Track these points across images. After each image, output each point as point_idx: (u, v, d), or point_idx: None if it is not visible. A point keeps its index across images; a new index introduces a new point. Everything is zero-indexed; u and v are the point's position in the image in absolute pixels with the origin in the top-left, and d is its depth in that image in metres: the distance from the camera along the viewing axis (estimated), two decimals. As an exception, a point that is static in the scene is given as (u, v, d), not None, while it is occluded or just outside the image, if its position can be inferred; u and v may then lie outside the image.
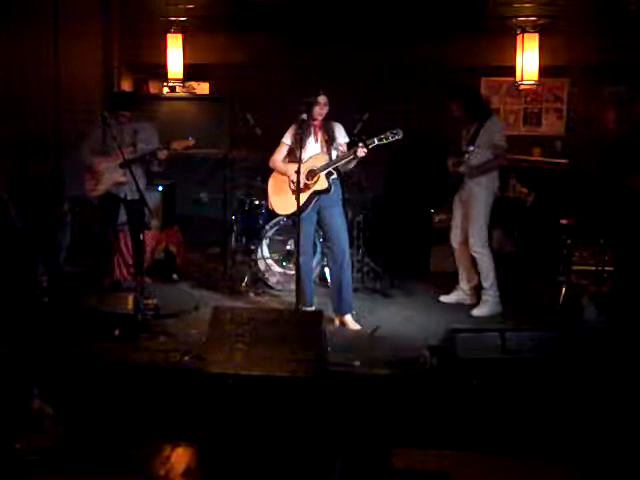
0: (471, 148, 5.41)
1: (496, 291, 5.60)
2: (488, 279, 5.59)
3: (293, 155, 5.17)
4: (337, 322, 5.28)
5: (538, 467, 3.33)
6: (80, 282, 6.01)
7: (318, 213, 5.21)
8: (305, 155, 5.04)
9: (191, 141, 5.53)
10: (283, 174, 5.25)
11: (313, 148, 5.16)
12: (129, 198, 5.53)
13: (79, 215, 6.66)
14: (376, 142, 4.93)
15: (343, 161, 5.08)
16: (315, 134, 5.17)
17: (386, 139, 4.91)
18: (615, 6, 6.78)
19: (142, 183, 5.53)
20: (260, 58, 7.43)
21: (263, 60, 7.42)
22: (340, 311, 5.28)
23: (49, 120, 6.41)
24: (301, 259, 4.93)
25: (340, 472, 3.43)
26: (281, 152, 5.28)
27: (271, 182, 5.40)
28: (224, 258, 6.40)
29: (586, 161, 6.53)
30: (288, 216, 5.47)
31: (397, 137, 4.91)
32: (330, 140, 5.16)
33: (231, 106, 7.52)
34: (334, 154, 5.15)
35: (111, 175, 5.47)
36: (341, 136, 5.22)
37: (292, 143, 5.19)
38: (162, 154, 5.50)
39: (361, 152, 4.93)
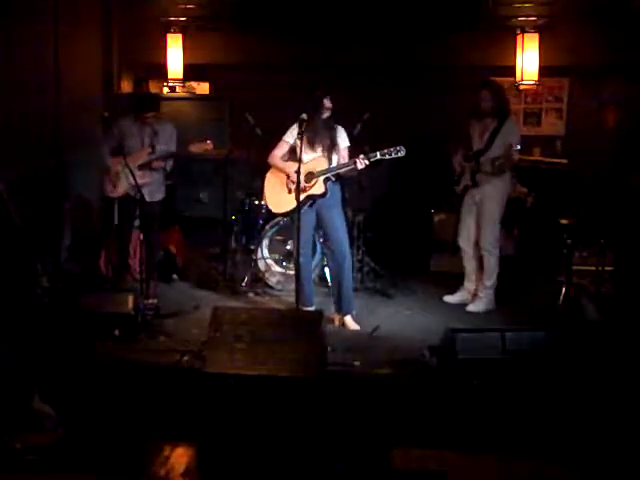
0: (518, 146, 5.35)
1: (493, 290, 5.64)
2: (492, 278, 5.63)
3: (293, 154, 5.17)
4: (337, 322, 5.28)
5: (538, 467, 3.33)
6: (80, 282, 6.01)
7: (317, 214, 5.21)
8: (305, 156, 5.05)
9: (209, 144, 5.52)
10: (281, 171, 5.26)
11: (313, 151, 5.16)
12: (148, 200, 5.46)
13: (79, 215, 6.66)
14: (378, 156, 4.94)
15: (341, 170, 5.10)
16: (317, 135, 5.15)
17: (389, 155, 4.93)
18: (615, 6, 6.77)
19: (160, 185, 5.60)
20: (260, 58, 7.43)
21: (263, 60, 7.41)
22: (341, 311, 5.28)
23: (49, 120, 6.40)
24: (300, 259, 4.94)
25: (340, 472, 3.43)
26: (281, 149, 5.28)
27: (268, 179, 5.39)
28: (224, 258, 6.40)
29: (586, 161, 6.53)
30: (281, 214, 5.50)
31: (400, 154, 4.92)
32: (332, 144, 5.15)
33: (231, 106, 7.52)
34: (334, 158, 5.15)
35: (130, 176, 5.42)
36: (342, 141, 5.21)
37: (293, 142, 5.19)
38: (157, 164, 5.49)
39: (360, 164, 4.94)
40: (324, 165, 5.11)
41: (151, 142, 5.46)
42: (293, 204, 5.04)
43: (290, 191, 5.17)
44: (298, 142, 5.04)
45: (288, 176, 5.18)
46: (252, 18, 7.38)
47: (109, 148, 5.50)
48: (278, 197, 5.29)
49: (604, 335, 4.61)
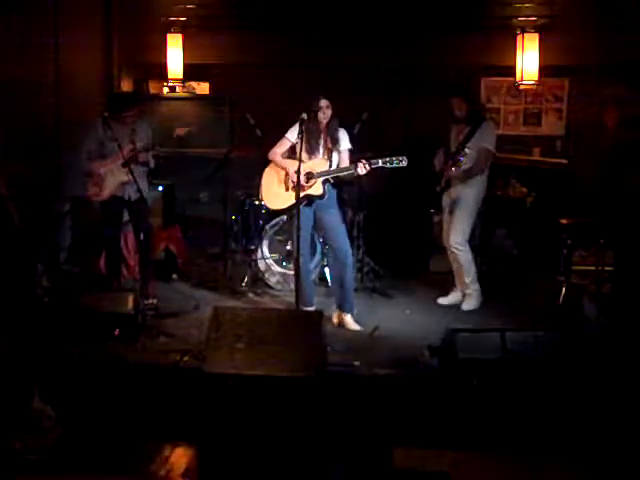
0: (467, 150, 5.38)
1: (477, 284, 5.66)
2: (470, 274, 5.65)
3: (293, 152, 5.17)
4: (336, 320, 5.28)
5: (538, 467, 3.33)
6: (80, 282, 6.01)
7: (315, 214, 5.21)
8: (305, 156, 5.05)
9: (192, 127, 5.50)
10: (281, 168, 5.25)
11: (315, 152, 5.14)
12: (133, 199, 5.47)
13: (79, 215, 6.66)
14: (380, 164, 4.93)
15: (341, 174, 5.08)
16: (318, 137, 5.15)
17: (390, 163, 4.91)
18: (615, 6, 6.78)
19: (143, 183, 5.51)
20: (260, 58, 7.43)
21: (263, 60, 7.42)
22: (341, 310, 5.28)
23: (49, 120, 6.40)
24: (301, 258, 4.93)
25: (340, 472, 3.43)
26: (282, 146, 5.26)
27: (266, 174, 5.38)
28: (224, 258, 6.40)
29: (586, 161, 6.53)
30: (276, 211, 5.49)
31: (401, 164, 4.90)
32: (333, 145, 5.14)
33: (231, 106, 7.52)
34: (335, 160, 5.14)
35: (114, 177, 5.41)
36: (344, 143, 5.19)
37: (294, 140, 5.17)
38: (142, 158, 5.46)
39: (361, 170, 4.92)
40: (324, 167, 5.10)
41: (130, 139, 5.43)
42: (289, 202, 5.07)
43: (287, 189, 5.18)
44: (298, 141, 5.05)
45: (287, 174, 5.18)
46: (252, 18, 7.38)
47: (88, 153, 5.45)
48: (275, 193, 5.29)
49: (604, 335, 4.62)
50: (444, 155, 5.68)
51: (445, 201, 5.73)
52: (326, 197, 5.13)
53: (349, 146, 5.22)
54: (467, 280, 5.65)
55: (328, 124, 5.13)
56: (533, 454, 3.41)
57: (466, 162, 5.42)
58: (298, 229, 4.83)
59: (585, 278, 5.96)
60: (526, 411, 3.76)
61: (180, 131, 5.47)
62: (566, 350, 4.20)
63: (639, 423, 3.62)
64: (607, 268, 5.66)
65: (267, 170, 5.38)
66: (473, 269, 5.66)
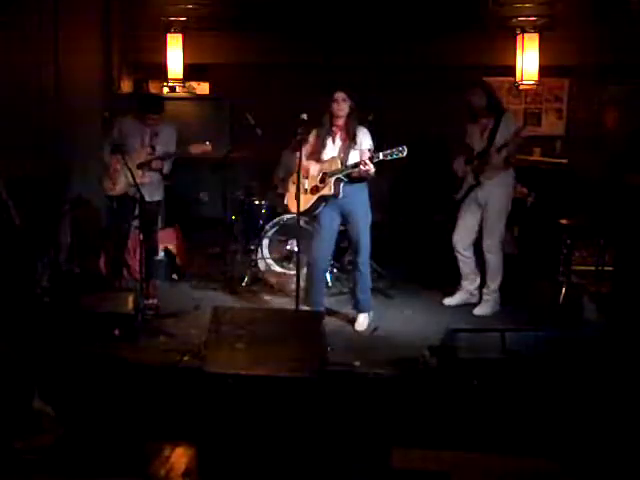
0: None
1: (498, 292, 5.62)
2: (496, 280, 5.59)
3: (315, 155, 5.12)
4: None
5: (538, 467, 3.33)
6: (80, 282, 6.01)
7: (343, 215, 5.13)
8: (325, 156, 5.05)
9: (208, 146, 5.50)
10: (303, 171, 5.07)
11: (331, 150, 5.10)
12: (147, 199, 5.41)
13: (79, 215, 6.65)
14: (381, 157, 4.86)
15: (349, 171, 5.00)
16: (334, 135, 5.11)
17: (391, 156, 4.83)
18: (615, 6, 6.78)
19: (159, 187, 5.65)
20: (260, 58, 7.43)
21: (263, 60, 7.42)
22: (355, 309, 5.30)
23: (49, 120, 6.40)
24: (318, 260, 4.99)
25: (340, 472, 3.43)
26: (304, 149, 5.12)
27: (291, 179, 5.31)
28: (224, 258, 6.40)
29: (586, 161, 6.54)
30: (297, 214, 5.44)
31: (402, 154, 4.83)
32: (351, 144, 5.06)
33: (231, 106, 7.52)
34: (352, 159, 5.03)
35: (129, 176, 5.40)
36: (366, 142, 5.08)
37: (314, 141, 5.12)
38: (156, 164, 5.48)
39: (363, 166, 4.85)
40: (337, 165, 5.04)
41: (151, 142, 5.47)
42: (306, 204, 5.04)
43: (306, 191, 5.09)
44: (311, 140, 5.05)
45: (306, 177, 5.11)
46: (252, 18, 7.39)
47: (110, 146, 5.50)
48: (294, 197, 5.21)
49: (604, 335, 4.61)
50: (465, 159, 5.63)
51: (469, 203, 5.62)
52: (341, 196, 5.01)
53: (369, 146, 5.08)
54: (492, 286, 5.59)
55: (347, 120, 5.07)
56: (533, 454, 3.41)
57: (507, 147, 5.37)
58: (298, 229, 4.82)
59: (585, 278, 5.96)
60: (526, 411, 3.77)
61: (195, 149, 5.44)
62: (566, 350, 4.20)
63: (638, 423, 3.62)
64: (607, 268, 5.66)
65: (294, 175, 5.29)
66: (500, 276, 5.58)
